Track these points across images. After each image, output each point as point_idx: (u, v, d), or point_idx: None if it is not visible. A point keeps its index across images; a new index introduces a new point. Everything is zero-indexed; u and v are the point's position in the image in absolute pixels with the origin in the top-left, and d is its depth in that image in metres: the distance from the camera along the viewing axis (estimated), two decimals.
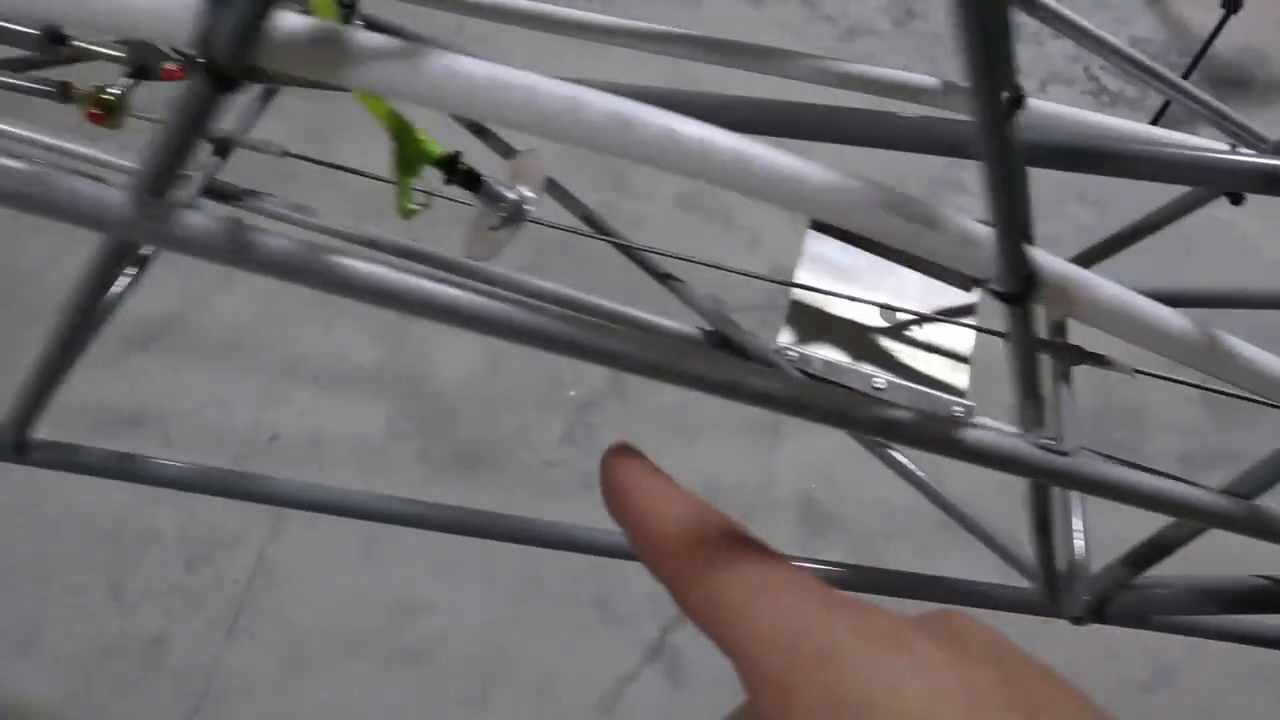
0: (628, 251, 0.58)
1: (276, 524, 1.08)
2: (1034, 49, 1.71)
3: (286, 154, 0.57)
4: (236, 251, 0.29)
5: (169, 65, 0.48)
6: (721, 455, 1.18)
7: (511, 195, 0.50)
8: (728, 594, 0.22)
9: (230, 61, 0.26)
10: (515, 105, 0.27)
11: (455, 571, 1.05)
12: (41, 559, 1.05)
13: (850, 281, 0.57)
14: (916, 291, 0.59)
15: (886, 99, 0.56)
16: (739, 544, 0.23)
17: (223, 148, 0.57)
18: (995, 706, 0.19)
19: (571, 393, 1.21)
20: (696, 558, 0.23)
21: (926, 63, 1.64)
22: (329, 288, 0.30)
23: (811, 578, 0.22)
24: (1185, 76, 1.30)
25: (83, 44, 0.48)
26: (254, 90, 0.62)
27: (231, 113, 0.61)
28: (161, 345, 1.21)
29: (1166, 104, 1.52)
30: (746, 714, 0.23)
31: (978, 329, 0.57)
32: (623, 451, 0.26)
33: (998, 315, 0.34)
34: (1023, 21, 1.65)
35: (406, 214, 0.47)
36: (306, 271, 0.29)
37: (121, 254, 0.40)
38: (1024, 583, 0.55)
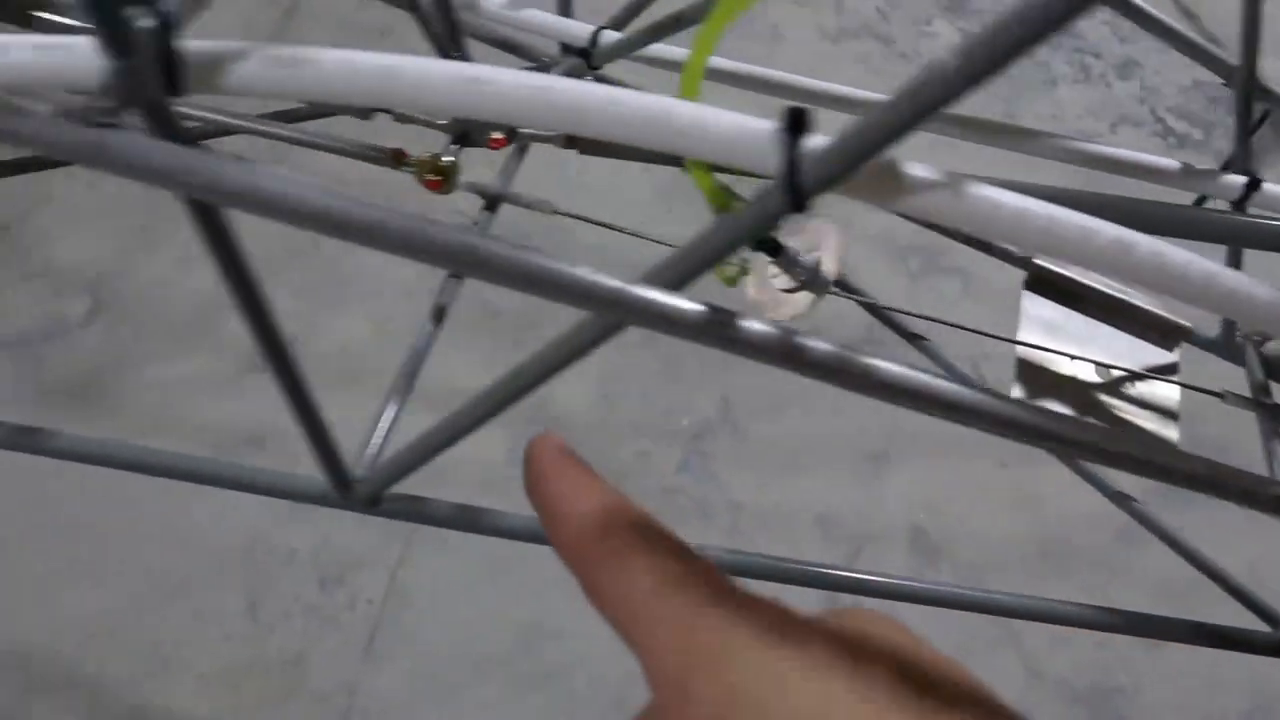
0: (874, 310, 0.61)
1: (406, 547, 1.10)
2: (1102, 90, 1.76)
3: (556, 212, 0.59)
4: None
5: (495, 136, 0.51)
6: (831, 485, 1.20)
7: (809, 262, 0.53)
8: (632, 591, 0.22)
9: (812, 191, 0.28)
10: (1034, 231, 0.29)
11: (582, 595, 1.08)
12: (177, 575, 1.07)
13: (1067, 340, 0.61)
14: (1125, 349, 0.62)
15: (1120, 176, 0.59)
16: (644, 539, 0.23)
17: (493, 203, 0.60)
18: (887, 705, 0.19)
19: (684, 422, 1.23)
20: (602, 551, 0.23)
21: (1001, 103, 1.68)
22: None
23: (712, 572, 0.22)
24: None
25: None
26: (512, 147, 0.64)
27: (490, 166, 0.63)
28: None
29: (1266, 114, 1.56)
30: (653, 713, 0.24)
31: (1193, 387, 0.61)
32: (546, 439, 0.26)
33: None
34: (1089, 63, 1.70)
35: (730, 282, 0.50)
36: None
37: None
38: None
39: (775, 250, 0.53)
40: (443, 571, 1.09)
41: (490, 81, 0.28)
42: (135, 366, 1.22)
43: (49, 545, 1.07)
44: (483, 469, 1.18)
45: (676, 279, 0.27)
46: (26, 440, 0.48)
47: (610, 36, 0.64)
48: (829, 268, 0.54)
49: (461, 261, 0.25)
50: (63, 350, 1.23)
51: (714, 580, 0.22)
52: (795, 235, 0.56)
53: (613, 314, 0.26)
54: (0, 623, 1.02)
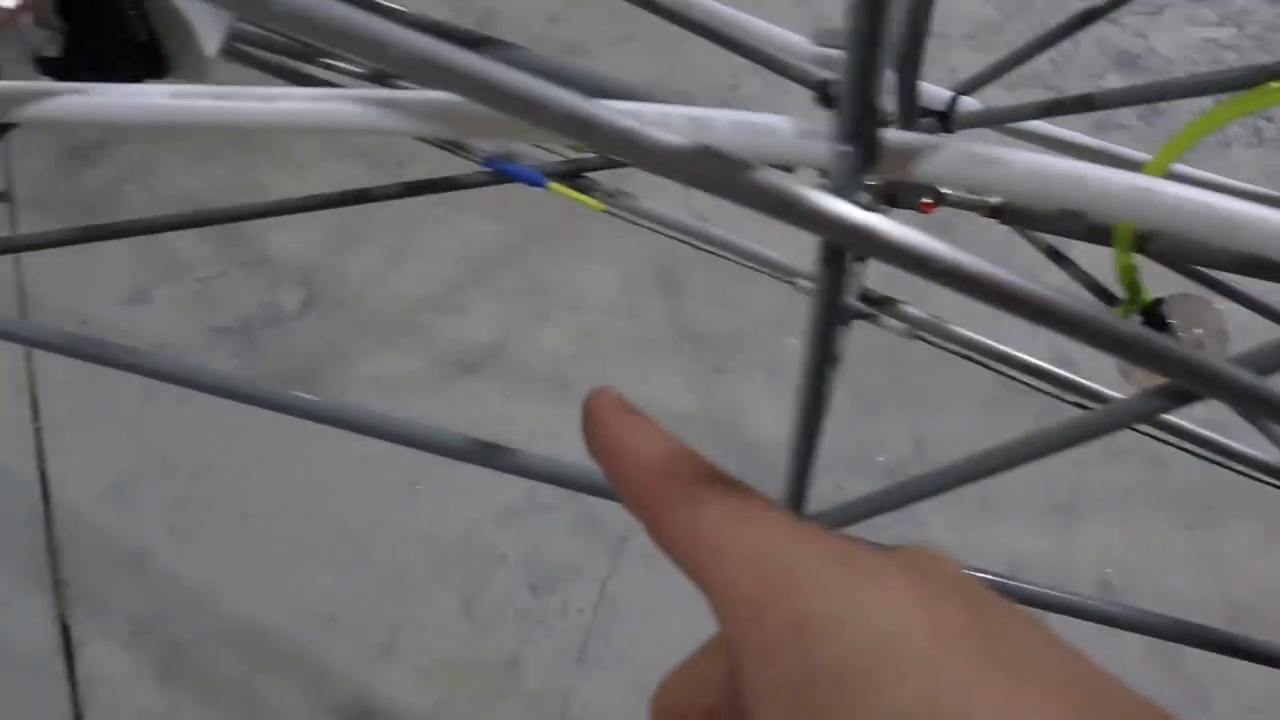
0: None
1: (615, 559, 1.13)
2: (1275, 154, 1.76)
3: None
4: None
5: (925, 200, 0.54)
6: (1021, 532, 1.22)
7: (1190, 337, 0.55)
8: (701, 523, 0.22)
9: None
10: None
11: None
12: (398, 567, 1.10)
13: None
14: None
15: None
16: (713, 478, 0.23)
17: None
18: (957, 633, 0.19)
19: (880, 458, 1.25)
20: (671, 491, 0.23)
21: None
22: None
23: (779, 507, 0.22)
24: None
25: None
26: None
27: None
28: (489, 372, 1.26)
29: None
30: (717, 646, 0.24)
31: None
32: (604, 393, 0.26)
33: None
34: (1262, 126, 1.62)
35: None
36: None
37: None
38: None
39: (1161, 325, 0.55)
40: (651, 586, 1.12)
41: (1159, 192, 0.30)
42: (347, 360, 1.26)
43: (290, 527, 1.11)
44: None
45: None
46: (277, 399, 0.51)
47: (968, 104, 0.66)
48: (1210, 345, 0.56)
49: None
50: (279, 339, 1.28)
51: (782, 513, 0.22)
52: (1179, 312, 0.58)
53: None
54: (236, 597, 1.06)
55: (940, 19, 0.48)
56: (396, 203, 0.70)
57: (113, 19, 0.54)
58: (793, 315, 1.35)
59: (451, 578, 1.10)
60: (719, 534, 0.22)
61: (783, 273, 0.76)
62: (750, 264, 0.77)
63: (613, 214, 0.71)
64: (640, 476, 0.24)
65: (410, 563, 1.11)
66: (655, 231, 0.76)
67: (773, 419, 1.26)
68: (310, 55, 0.70)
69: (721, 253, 0.79)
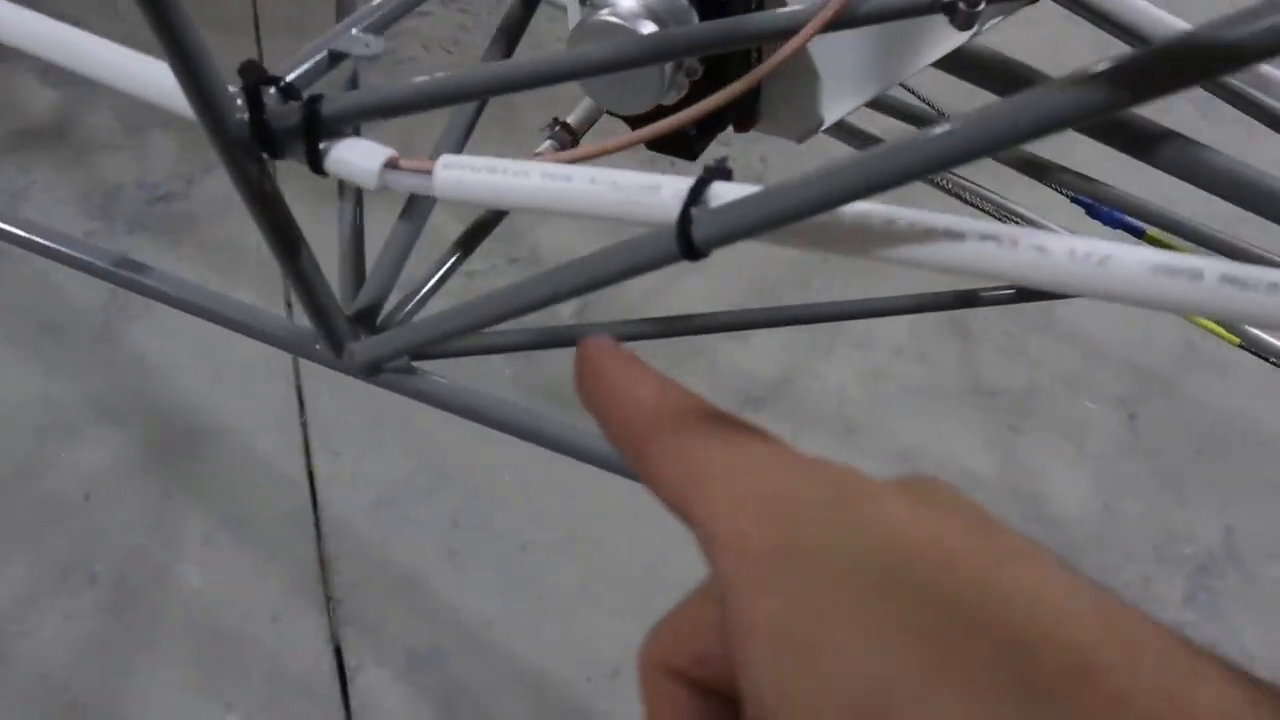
0: None
1: None
2: None
3: None
4: None
5: None
6: None
7: None
8: (686, 454, 0.21)
9: None
10: None
11: None
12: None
13: None
14: None
15: None
16: (704, 412, 0.23)
17: None
18: (958, 552, 0.18)
19: (1187, 550, 1.15)
20: (661, 427, 0.22)
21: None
22: None
23: (775, 438, 0.22)
24: None
25: None
26: None
27: None
28: (776, 408, 1.17)
29: None
30: (706, 589, 0.22)
31: None
32: (597, 338, 0.25)
33: None
34: None
35: None
36: None
37: None
38: None
39: None
40: None
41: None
42: None
43: (572, 564, 1.03)
44: None
45: None
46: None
47: None
48: None
49: None
50: (553, 350, 1.19)
51: (775, 442, 0.22)
52: None
53: None
54: (518, 637, 0.98)
55: None
56: None
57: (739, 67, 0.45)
58: (1088, 375, 1.25)
59: None
60: (704, 463, 0.21)
61: None
62: None
63: None
64: (631, 415, 0.23)
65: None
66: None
67: (1072, 492, 1.16)
68: None
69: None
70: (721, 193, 0.32)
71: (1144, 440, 1.20)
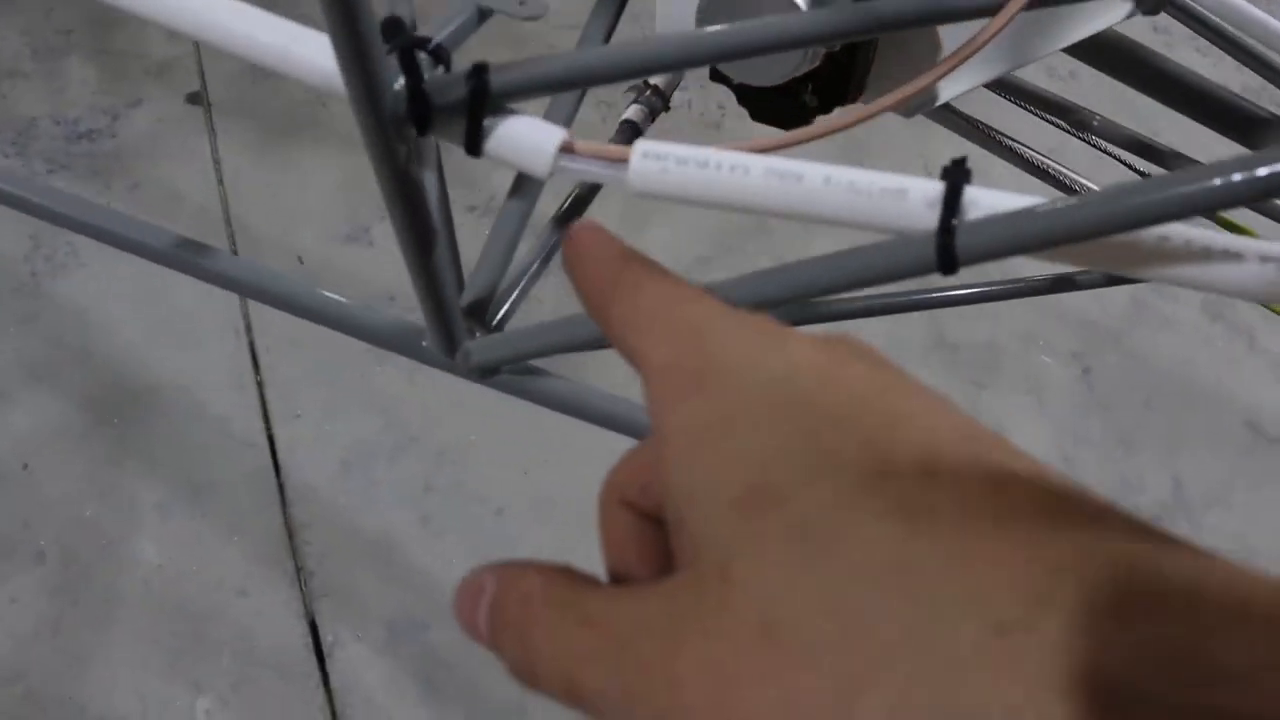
0: None
1: None
2: None
3: None
4: None
5: None
6: None
7: None
8: (639, 305, 0.24)
9: None
10: None
11: None
12: None
13: None
14: None
15: None
16: (660, 272, 0.25)
17: None
18: (848, 379, 0.21)
19: (1141, 499, 1.18)
20: (621, 283, 0.24)
21: None
22: None
23: (717, 298, 0.23)
24: None
25: None
26: None
27: None
28: None
29: None
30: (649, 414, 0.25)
31: None
32: (582, 221, 0.27)
33: None
34: None
35: None
36: None
37: None
38: None
39: None
40: None
41: None
42: None
43: (550, 530, 1.00)
44: None
45: None
46: None
47: None
48: None
49: None
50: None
51: (716, 299, 0.23)
52: None
53: None
54: None
55: None
56: None
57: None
58: (1045, 331, 1.27)
59: None
60: (649, 313, 0.23)
61: None
62: None
63: None
64: (598, 285, 0.25)
65: None
66: None
67: (1030, 444, 1.18)
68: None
69: None
70: (978, 200, 0.29)
71: (1098, 394, 1.23)
